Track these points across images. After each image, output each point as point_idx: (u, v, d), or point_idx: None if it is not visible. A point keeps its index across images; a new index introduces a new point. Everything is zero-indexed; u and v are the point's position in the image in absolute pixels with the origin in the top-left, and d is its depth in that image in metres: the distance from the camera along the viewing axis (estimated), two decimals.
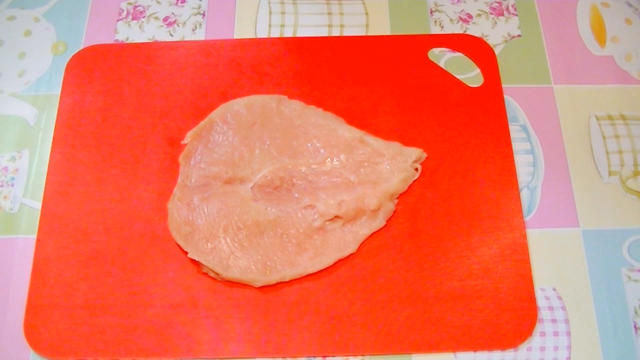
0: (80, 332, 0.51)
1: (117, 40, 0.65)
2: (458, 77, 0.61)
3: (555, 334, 0.51)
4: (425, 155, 0.57)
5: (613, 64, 0.63)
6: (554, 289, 0.53)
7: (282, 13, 0.66)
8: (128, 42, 0.64)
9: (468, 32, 0.64)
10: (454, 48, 0.63)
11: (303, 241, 0.53)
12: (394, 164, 0.56)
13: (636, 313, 0.52)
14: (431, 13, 0.66)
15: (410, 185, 0.56)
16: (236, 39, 0.64)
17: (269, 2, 0.67)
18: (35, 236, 0.55)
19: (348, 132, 0.57)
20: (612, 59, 0.63)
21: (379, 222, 0.54)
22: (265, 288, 0.52)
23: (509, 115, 0.59)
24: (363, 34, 0.65)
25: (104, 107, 0.60)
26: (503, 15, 0.66)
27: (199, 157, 0.56)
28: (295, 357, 0.51)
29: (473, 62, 0.62)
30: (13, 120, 0.61)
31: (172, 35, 0.65)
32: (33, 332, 0.51)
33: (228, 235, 0.53)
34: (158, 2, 0.67)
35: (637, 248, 0.55)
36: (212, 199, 0.54)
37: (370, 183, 0.55)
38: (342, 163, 0.56)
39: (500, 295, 0.51)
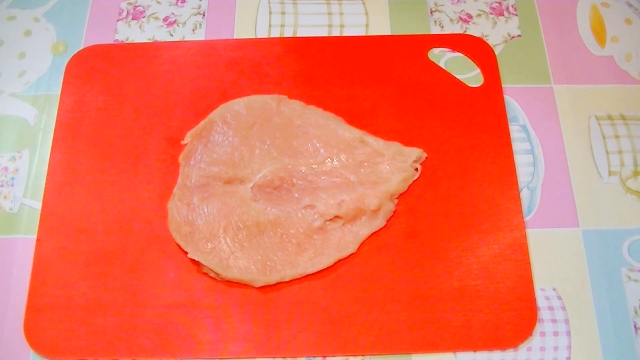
0: (80, 332, 0.51)
1: (117, 40, 0.65)
2: (458, 77, 0.61)
3: (555, 334, 0.51)
4: (425, 155, 0.57)
5: (613, 64, 0.63)
6: (554, 289, 0.53)
7: (282, 13, 0.66)
8: (128, 42, 0.64)
9: (468, 32, 0.64)
10: (454, 48, 0.63)
11: (303, 241, 0.53)
12: (394, 164, 0.56)
13: (636, 313, 0.52)
14: (431, 13, 0.66)
15: (410, 185, 0.56)
16: (236, 39, 0.64)
17: (269, 2, 0.66)
18: (35, 236, 0.55)
19: (348, 132, 0.57)
20: (612, 59, 0.63)
21: (379, 222, 0.54)
22: (265, 288, 0.52)
23: (509, 115, 0.59)
24: (363, 34, 0.65)
25: (104, 107, 0.60)
26: (503, 15, 0.66)
27: (199, 157, 0.56)
28: (295, 357, 0.51)
29: (473, 62, 0.62)
30: (13, 120, 0.61)
31: (172, 35, 0.65)
32: (33, 332, 0.51)
33: (228, 235, 0.53)
34: (158, 2, 0.67)
35: (637, 248, 0.55)
36: (212, 199, 0.54)
37: (370, 183, 0.55)
38: (342, 163, 0.56)
39: (500, 295, 0.51)
